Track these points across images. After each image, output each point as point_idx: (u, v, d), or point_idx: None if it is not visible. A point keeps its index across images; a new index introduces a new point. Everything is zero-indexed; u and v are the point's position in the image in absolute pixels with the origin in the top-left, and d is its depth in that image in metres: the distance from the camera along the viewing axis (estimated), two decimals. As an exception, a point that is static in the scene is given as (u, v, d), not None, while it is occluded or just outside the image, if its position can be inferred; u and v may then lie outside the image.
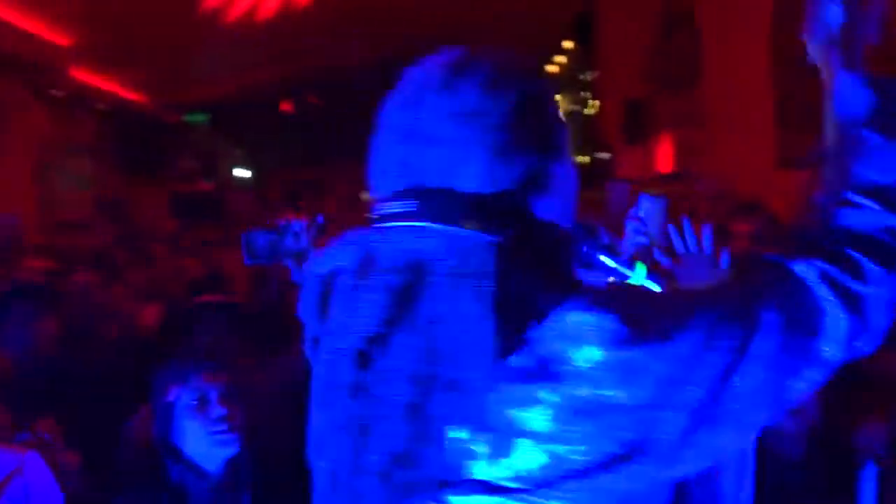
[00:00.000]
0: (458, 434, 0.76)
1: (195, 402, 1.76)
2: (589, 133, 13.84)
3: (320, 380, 0.94)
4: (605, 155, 11.12)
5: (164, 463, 1.70)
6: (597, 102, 14.13)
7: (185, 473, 1.70)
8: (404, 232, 0.87)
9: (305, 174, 17.38)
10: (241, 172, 18.60)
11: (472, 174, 0.86)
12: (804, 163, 6.57)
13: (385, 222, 0.89)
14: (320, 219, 1.91)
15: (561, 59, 16.58)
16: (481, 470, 0.75)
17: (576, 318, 0.77)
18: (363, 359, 0.83)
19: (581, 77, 14.77)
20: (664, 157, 10.84)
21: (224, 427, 1.73)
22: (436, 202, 0.86)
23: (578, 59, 15.17)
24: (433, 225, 0.86)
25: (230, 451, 1.74)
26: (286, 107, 22.10)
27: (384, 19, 12.06)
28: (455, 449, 0.76)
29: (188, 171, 15.28)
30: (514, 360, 0.77)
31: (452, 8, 12.52)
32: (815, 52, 1.14)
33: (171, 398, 1.76)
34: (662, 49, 10.63)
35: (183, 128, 15.59)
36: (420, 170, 0.87)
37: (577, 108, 15.35)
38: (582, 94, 14.84)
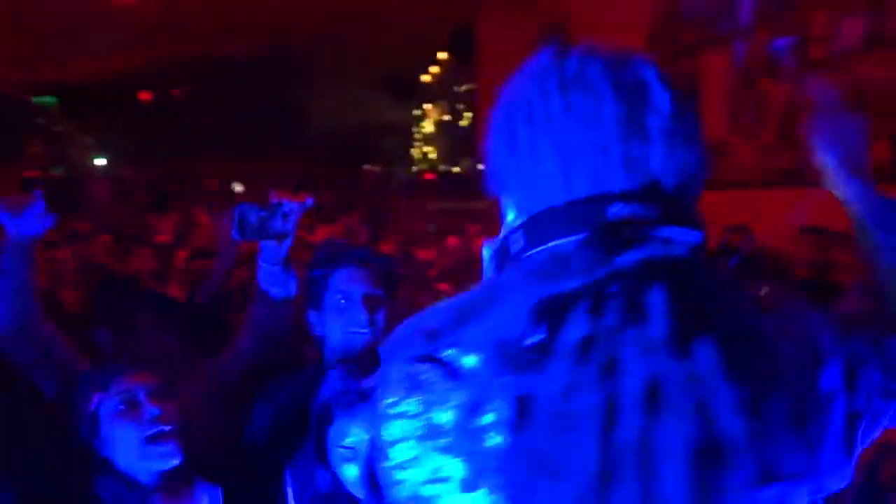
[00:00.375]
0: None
1: (122, 406, 1.54)
2: (464, 144, 14.00)
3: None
4: (481, 166, 11.25)
5: (92, 479, 1.47)
6: (470, 114, 14.33)
7: (117, 487, 1.48)
8: (649, 241, 0.73)
9: (169, 166, 16.56)
10: (96, 161, 17.48)
11: (699, 174, 0.77)
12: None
13: (622, 229, 0.73)
14: (310, 201, 1.85)
15: (435, 69, 16.74)
16: None
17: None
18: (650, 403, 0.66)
19: (456, 89, 14.95)
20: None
21: (160, 428, 1.53)
22: (675, 204, 0.75)
23: (453, 71, 15.36)
24: (676, 229, 0.74)
25: (169, 454, 1.52)
26: (145, 96, 21.03)
27: (255, 13, 11.68)
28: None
29: (37, 155, 14.14)
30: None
31: (326, 8, 12.32)
32: (831, 176, 1.11)
33: (93, 407, 1.55)
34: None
35: (31, 109, 14.43)
36: (653, 168, 0.75)
37: (451, 119, 15.52)
38: (457, 105, 15.01)
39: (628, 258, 0.71)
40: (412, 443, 0.73)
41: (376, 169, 16.91)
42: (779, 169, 5.62)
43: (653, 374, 0.67)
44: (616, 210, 0.73)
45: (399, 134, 18.80)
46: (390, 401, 0.75)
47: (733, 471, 0.66)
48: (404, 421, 0.74)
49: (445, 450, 0.71)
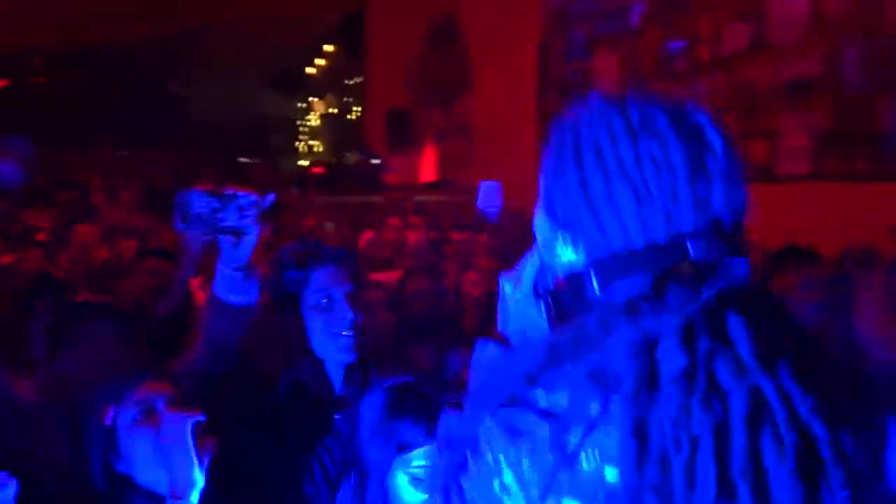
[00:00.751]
0: None
1: (140, 417, 1.41)
2: (352, 139, 13.90)
3: None
4: (376, 160, 11.21)
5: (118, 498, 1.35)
6: (359, 108, 14.24)
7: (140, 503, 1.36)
8: (722, 274, 0.79)
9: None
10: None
11: (746, 209, 0.84)
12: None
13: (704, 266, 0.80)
14: (272, 197, 1.64)
15: (321, 62, 16.51)
16: None
17: None
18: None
19: (346, 82, 14.81)
20: (428, 166, 11.19)
21: None
22: (733, 238, 0.81)
23: (341, 64, 15.21)
24: (737, 260, 0.81)
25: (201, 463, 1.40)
26: (2, 83, 19.63)
27: (131, 3, 11.14)
28: None
29: None
30: None
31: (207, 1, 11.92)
32: None
33: (108, 421, 1.42)
34: (429, 60, 10.96)
35: None
36: (715, 207, 0.81)
37: (337, 112, 15.37)
38: (345, 99, 14.87)
39: (710, 291, 0.77)
40: (526, 490, 0.76)
41: (256, 162, 16.52)
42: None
43: (751, 393, 0.73)
44: (696, 249, 0.79)
45: (284, 127, 18.44)
46: (494, 454, 0.78)
47: (828, 478, 0.72)
48: (512, 469, 0.77)
49: (560, 492, 0.74)
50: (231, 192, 1.60)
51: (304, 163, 17.57)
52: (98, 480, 1.36)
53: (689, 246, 0.80)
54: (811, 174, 4.66)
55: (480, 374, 0.96)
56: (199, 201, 1.58)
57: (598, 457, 0.74)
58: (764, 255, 3.06)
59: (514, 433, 0.78)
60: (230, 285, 1.62)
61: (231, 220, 1.59)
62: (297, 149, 18.57)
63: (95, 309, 2.15)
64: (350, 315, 1.62)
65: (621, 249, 0.81)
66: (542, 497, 0.76)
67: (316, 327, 1.63)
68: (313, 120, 17.70)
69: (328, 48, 15.27)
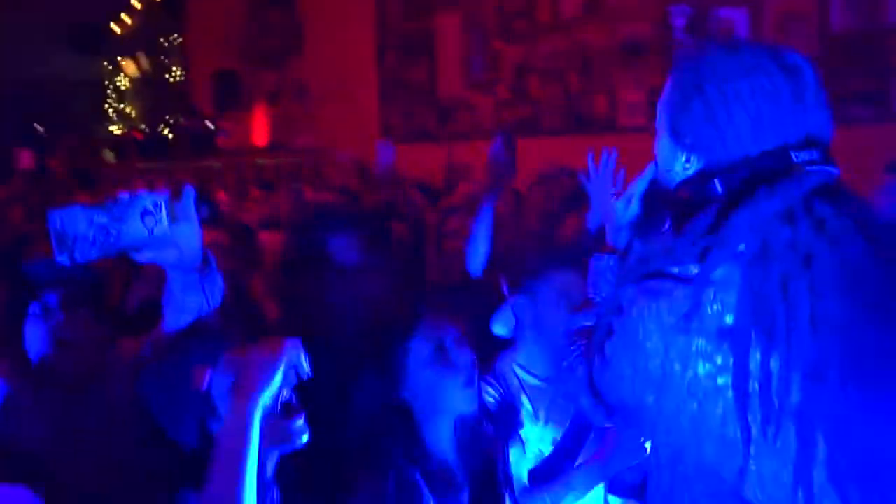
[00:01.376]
0: None
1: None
2: (172, 102, 13.27)
3: None
4: (210, 124, 10.81)
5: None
6: (179, 69, 13.59)
7: None
8: (816, 174, 1.13)
9: None
10: None
11: (830, 128, 1.18)
12: (409, 137, 7.36)
13: (804, 167, 1.13)
14: (190, 189, 1.35)
15: (129, 18, 15.50)
16: None
17: None
18: None
19: (161, 41, 14.02)
20: (260, 129, 10.98)
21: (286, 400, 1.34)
22: (823, 149, 1.16)
23: (153, 21, 14.37)
24: (827, 166, 1.15)
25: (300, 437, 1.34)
26: None
27: None
28: None
29: None
30: None
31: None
32: None
33: (205, 386, 1.32)
34: (259, 21, 10.71)
35: None
36: (810, 125, 1.16)
37: (153, 73, 14.57)
38: (162, 59, 14.10)
39: (808, 185, 1.10)
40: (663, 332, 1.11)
41: (39, 130, 15.24)
42: (513, 121, 6.35)
43: (842, 259, 1.06)
44: (798, 155, 1.13)
45: (88, 91, 17.13)
46: (638, 311, 1.14)
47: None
48: (653, 320, 1.11)
49: (690, 332, 1.08)
50: (125, 197, 1.25)
51: (115, 129, 16.48)
52: (191, 439, 1.33)
53: (791, 154, 1.13)
54: (647, 126, 5.23)
55: (602, 276, 1.30)
56: (78, 221, 1.21)
57: (721, 307, 1.07)
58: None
59: (654, 294, 1.12)
60: (186, 287, 1.38)
61: (135, 232, 1.24)
62: (105, 114, 17.31)
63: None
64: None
65: (738, 157, 1.14)
66: (676, 334, 1.09)
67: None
68: (123, 82, 16.57)
69: (135, 3, 14.32)
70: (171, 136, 12.64)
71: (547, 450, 1.88)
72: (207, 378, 1.33)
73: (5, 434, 1.64)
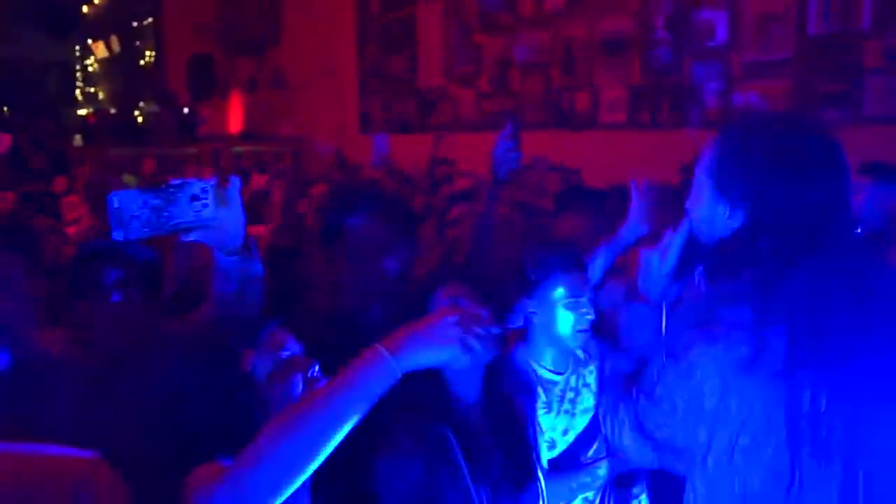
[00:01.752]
0: None
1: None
2: (146, 85, 13.13)
3: None
4: (186, 110, 10.73)
5: None
6: (153, 53, 13.45)
7: None
8: None
9: None
10: None
11: None
12: (389, 128, 7.41)
13: None
14: (236, 179, 1.48)
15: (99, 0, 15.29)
16: None
17: None
18: None
19: (133, 24, 13.84)
20: (236, 117, 10.94)
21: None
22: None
23: (127, 4, 14.18)
24: None
25: None
26: None
27: None
28: None
29: None
30: None
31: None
32: None
33: (248, 368, 1.40)
34: (236, 8, 10.65)
35: None
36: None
37: (124, 56, 14.39)
38: (134, 42, 13.93)
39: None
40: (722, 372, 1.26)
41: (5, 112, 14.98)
42: (492, 113, 6.43)
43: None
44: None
45: (58, 72, 16.88)
46: (692, 355, 1.30)
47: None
48: (711, 360, 1.27)
49: (746, 374, 1.24)
50: (176, 182, 1.39)
51: (84, 111, 16.25)
52: (232, 419, 1.38)
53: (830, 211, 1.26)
54: (627, 123, 5.36)
55: (636, 326, 1.42)
56: (134, 202, 1.35)
57: (775, 351, 1.21)
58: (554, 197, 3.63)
59: (714, 338, 1.26)
60: (228, 272, 1.49)
61: (185, 215, 1.38)
62: (75, 97, 17.07)
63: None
64: None
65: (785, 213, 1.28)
66: (735, 376, 1.22)
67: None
68: (93, 64, 16.34)
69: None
70: (141, 120, 12.50)
71: (559, 439, 1.98)
72: (249, 360, 1.39)
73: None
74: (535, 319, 2.00)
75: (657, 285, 1.62)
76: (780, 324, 1.21)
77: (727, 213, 1.33)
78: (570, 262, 1.98)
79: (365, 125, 8.05)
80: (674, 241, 1.61)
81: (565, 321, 1.95)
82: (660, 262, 1.61)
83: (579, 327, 1.96)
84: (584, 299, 1.96)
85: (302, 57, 9.29)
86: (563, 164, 4.75)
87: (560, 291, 1.95)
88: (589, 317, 1.96)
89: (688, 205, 1.44)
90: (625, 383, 1.54)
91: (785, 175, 1.29)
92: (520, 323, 2.06)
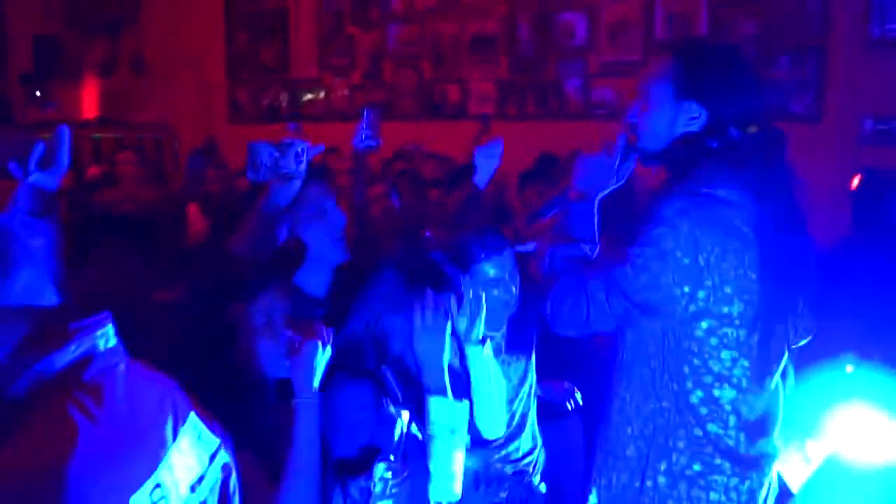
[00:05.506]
0: None
1: (263, 322, 1.74)
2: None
3: None
4: (39, 93, 10.34)
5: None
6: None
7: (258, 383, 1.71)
8: None
9: None
10: None
11: None
12: (259, 117, 7.60)
13: None
14: (321, 147, 1.93)
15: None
16: None
17: None
18: None
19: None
20: (90, 101, 10.65)
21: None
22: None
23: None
24: None
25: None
26: None
27: None
28: None
29: None
30: None
31: None
32: None
33: (236, 317, 1.73)
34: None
35: None
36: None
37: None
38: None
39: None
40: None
41: None
42: (365, 104, 6.79)
43: None
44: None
45: None
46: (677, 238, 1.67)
47: None
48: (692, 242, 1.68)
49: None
50: (288, 140, 1.85)
51: None
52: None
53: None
54: (496, 114, 5.89)
55: (582, 221, 1.82)
56: (265, 151, 1.82)
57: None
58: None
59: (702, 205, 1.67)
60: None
61: (289, 167, 1.83)
62: None
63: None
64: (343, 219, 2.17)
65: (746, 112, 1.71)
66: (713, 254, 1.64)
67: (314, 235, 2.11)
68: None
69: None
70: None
71: (495, 373, 2.32)
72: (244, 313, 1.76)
73: None
74: (469, 295, 2.34)
75: (598, 187, 1.89)
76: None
77: (691, 112, 1.70)
78: (495, 246, 2.26)
79: (234, 114, 8.16)
80: (616, 148, 1.90)
81: (492, 297, 2.21)
82: (605, 167, 1.89)
83: (505, 299, 2.27)
84: (507, 276, 2.32)
85: (163, 40, 9.22)
86: (436, 152, 5.20)
87: (488, 273, 2.24)
88: (514, 290, 2.28)
89: (632, 118, 1.79)
90: (580, 266, 1.82)
91: (740, 79, 1.69)
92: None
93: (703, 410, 1.66)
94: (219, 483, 1.31)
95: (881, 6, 4.54)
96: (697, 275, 1.61)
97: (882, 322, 2.16)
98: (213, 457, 1.29)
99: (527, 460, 2.48)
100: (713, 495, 1.64)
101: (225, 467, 1.33)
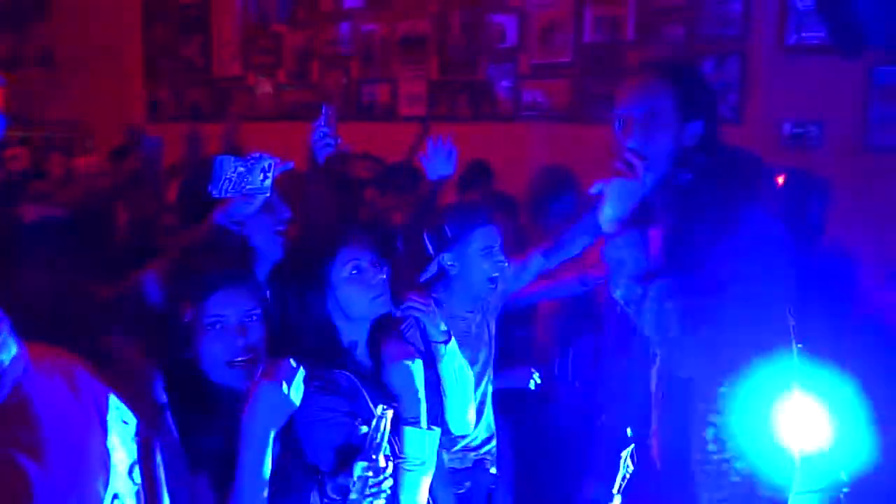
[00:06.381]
0: None
1: (213, 324, 1.68)
2: None
3: None
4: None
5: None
6: None
7: (204, 390, 1.65)
8: None
9: None
10: None
11: None
12: (179, 116, 7.42)
13: None
14: (291, 164, 1.91)
15: None
16: None
17: None
18: None
19: None
20: (-7, 97, 10.18)
21: (244, 356, 1.69)
22: None
23: None
24: None
25: (249, 381, 1.66)
26: None
27: None
28: None
29: None
30: None
31: None
32: None
33: (188, 318, 1.67)
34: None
35: None
36: None
37: None
38: None
39: None
40: None
41: None
42: (290, 104, 6.73)
43: None
44: None
45: None
46: None
47: None
48: None
49: None
50: (255, 155, 1.84)
51: None
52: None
53: None
54: (426, 115, 5.91)
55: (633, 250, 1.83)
56: (230, 166, 1.78)
57: None
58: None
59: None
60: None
61: (254, 183, 1.81)
62: None
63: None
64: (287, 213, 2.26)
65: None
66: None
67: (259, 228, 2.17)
68: None
69: None
70: None
71: (461, 368, 2.32)
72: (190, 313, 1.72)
73: None
74: (454, 271, 2.41)
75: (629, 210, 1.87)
76: None
77: (696, 130, 1.86)
78: (483, 216, 2.38)
79: (154, 113, 7.97)
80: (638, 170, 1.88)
81: (480, 270, 2.36)
82: (633, 189, 1.87)
83: (493, 274, 2.37)
84: (496, 247, 2.43)
85: (75, 34, 8.92)
86: (367, 153, 5.18)
87: (477, 243, 2.38)
88: (503, 263, 2.42)
89: (639, 143, 1.85)
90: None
91: (714, 98, 1.95)
92: (433, 273, 2.45)
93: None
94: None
95: (797, 15, 4.75)
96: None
97: (808, 315, 2.28)
98: (136, 437, 1.27)
99: (485, 449, 2.53)
100: None
101: (144, 444, 1.30)
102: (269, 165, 1.82)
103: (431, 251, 2.46)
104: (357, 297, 1.97)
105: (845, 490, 2.34)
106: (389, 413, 1.72)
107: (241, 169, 1.79)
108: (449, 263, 2.42)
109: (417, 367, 2.00)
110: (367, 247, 2.03)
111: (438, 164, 2.87)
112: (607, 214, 1.85)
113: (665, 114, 1.86)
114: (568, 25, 5.41)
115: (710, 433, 1.80)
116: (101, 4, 8.48)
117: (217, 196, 1.81)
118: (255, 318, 1.73)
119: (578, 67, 5.38)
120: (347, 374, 1.90)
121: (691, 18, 4.97)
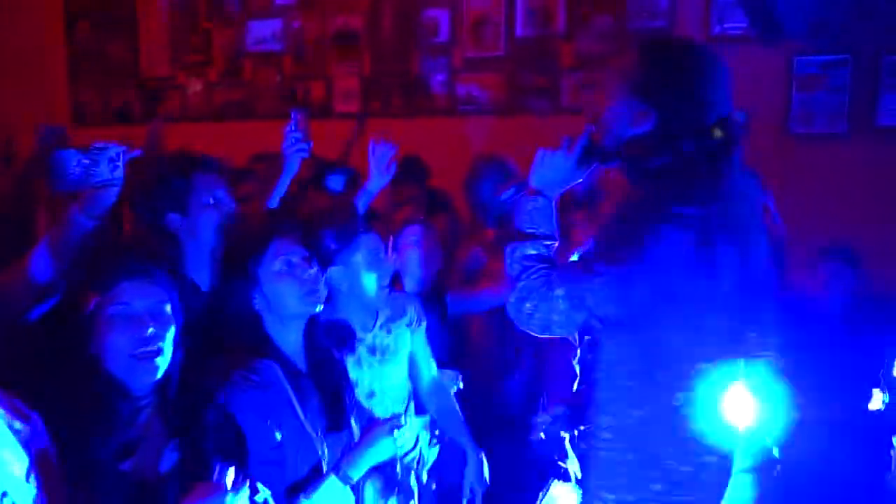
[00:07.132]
0: None
1: (118, 314, 1.62)
2: None
3: None
4: None
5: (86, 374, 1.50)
6: None
7: (107, 389, 1.56)
8: None
9: None
10: None
11: None
12: (107, 118, 7.25)
13: None
14: (139, 151, 1.83)
15: None
16: None
17: None
18: None
19: None
20: None
21: (149, 347, 1.63)
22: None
23: None
24: None
25: (154, 375, 1.63)
26: None
27: None
28: None
29: None
30: None
31: None
32: None
33: (91, 308, 1.59)
34: None
35: None
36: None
37: None
38: None
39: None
40: None
41: None
42: (223, 103, 6.64)
43: None
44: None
45: None
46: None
47: None
48: None
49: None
50: (100, 145, 1.76)
51: None
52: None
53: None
54: (360, 112, 5.92)
55: (540, 217, 1.82)
56: (73, 159, 1.71)
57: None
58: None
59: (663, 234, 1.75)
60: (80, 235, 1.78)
61: (103, 174, 1.73)
62: None
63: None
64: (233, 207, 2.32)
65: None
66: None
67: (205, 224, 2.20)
68: None
69: None
70: None
71: (376, 389, 2.33)
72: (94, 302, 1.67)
73: None
74: (342, 286, 2.29)
75: (557, 183, 1.89)
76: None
77: (639, 111, 1.72)
78: (364, 228, 2.33)
79: (79, 116, 7.75)
80: (577, 144, 1.87)
81: (369, 280, 2.28)
82: (563, 161, 1.87)
83: (382, 283, 2.31)
84: (381, 255, 2.34)
85: (-4, 40, 8.63)
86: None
87: (361, 253, 2.28)
88: (389, 269, 2.34)
89: (596, 109, 1.80)
90: (542, 266, 1.80)
91: (697, 83, 1.70)
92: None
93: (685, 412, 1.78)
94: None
95: (720, 6, 4.92)
96: (663, 293, 1.67)
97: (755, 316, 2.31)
98: (27, 444, 1.28)
99: (409, 457, 2.53)
100: None
101: (39, 452, 1.31)
102: (117, 154, 1.77)
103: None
104: (287, 292, 1.95)
105: (778, 468, 2.40)
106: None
107: (86, 161, 1.72)
108: (336, 278, 2.30)
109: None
110: (298, 242, 2.01)
111: (383, 169, 2.86)
112: (533, 181, 1.90)
113: (616, 88, 1.78)
114: (499, 19, 5.49)
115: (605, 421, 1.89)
116: (20, 4, 8.22)
117: (60, 190, 1.73)
118: (163, 310, 1.69)
119: (511, 61, 5.47)
120: (271, 362, 1.90)
121: (620, 9, 5.10)
